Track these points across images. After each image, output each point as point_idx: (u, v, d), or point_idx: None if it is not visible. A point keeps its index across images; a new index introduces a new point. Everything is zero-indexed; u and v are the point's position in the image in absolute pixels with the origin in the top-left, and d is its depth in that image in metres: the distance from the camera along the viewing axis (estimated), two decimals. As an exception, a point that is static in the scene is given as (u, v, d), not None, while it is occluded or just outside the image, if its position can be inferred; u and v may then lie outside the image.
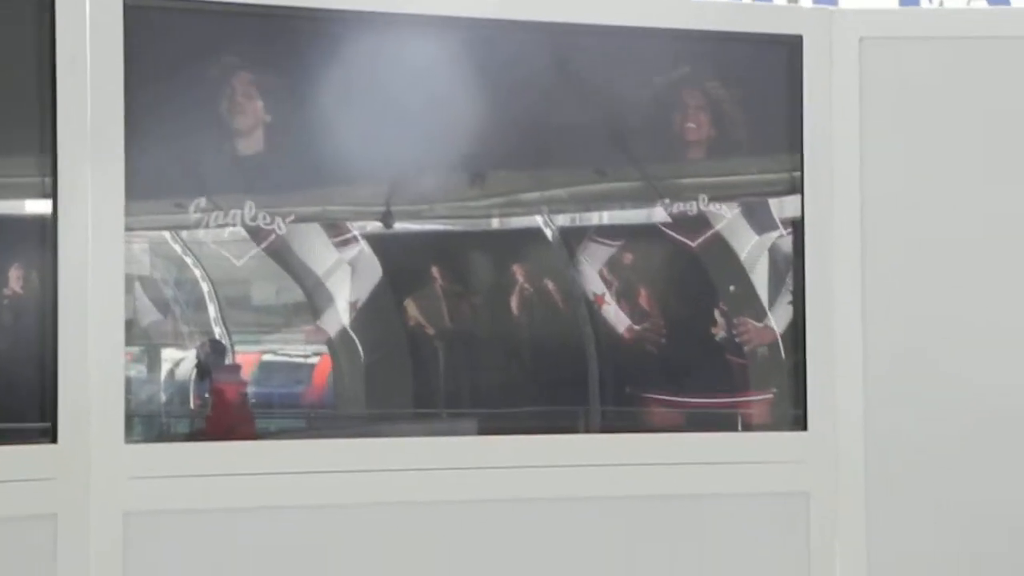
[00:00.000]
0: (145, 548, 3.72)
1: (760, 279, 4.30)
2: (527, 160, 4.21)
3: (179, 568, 3.77)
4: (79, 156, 3.81)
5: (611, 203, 4.25)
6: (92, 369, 3.69)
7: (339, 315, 4.14)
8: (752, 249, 4.32)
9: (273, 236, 4.06)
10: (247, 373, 4.14)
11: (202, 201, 3.89)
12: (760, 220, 4.31)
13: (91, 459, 3.68)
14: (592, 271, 4.16)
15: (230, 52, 3.94)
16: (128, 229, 3.78)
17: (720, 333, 4.25)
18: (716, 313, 4.27)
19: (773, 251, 4.32)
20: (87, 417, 3.66)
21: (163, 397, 4.06)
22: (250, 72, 3.94)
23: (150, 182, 3.86)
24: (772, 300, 4.26)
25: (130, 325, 3.89)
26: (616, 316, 4.17)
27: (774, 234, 4.29)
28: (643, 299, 4.22)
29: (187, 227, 3.95)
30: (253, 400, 4.11)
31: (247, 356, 4.17)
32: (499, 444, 4.09)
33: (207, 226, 3.93)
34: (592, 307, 4.15)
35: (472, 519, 3.99)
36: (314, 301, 4.14)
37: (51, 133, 3.70)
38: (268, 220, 3.96)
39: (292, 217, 3.99)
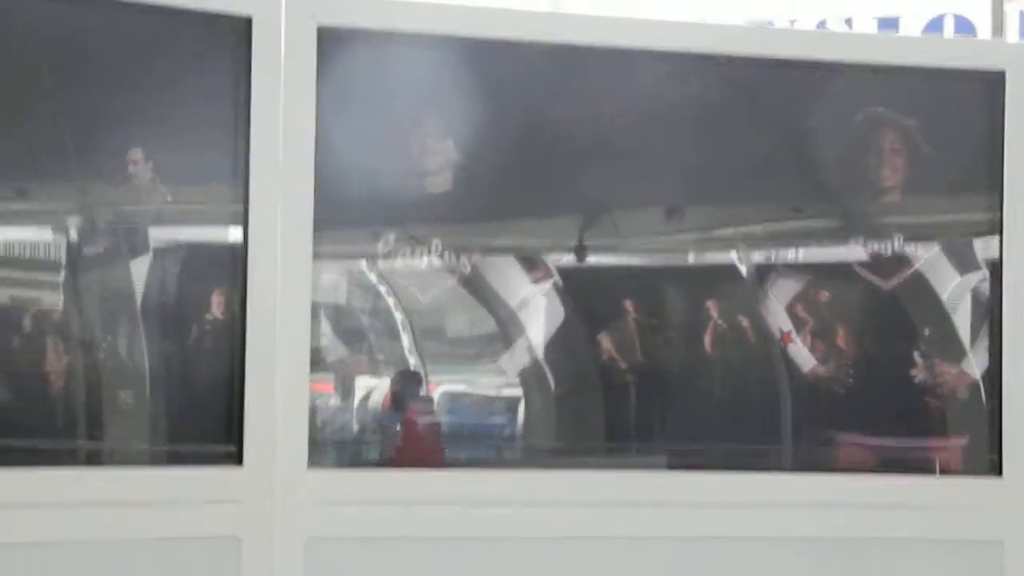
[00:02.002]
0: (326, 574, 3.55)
1: (961, 321, 4.02)
2: (723, 196, 3.99)
3: None
4: (271, 184, 3.57)
5: (805, 240, 4.02)
6: (278, 393, 3.56)
7: (532, 347, 3.94)
8: (952, 290, 4.04)
9: (459, 273, 3.79)
10: (437, 403, 3.98)
11: (391, 236, 3.77)
12: (960, 260, 4.06)
13: (274, 483, 3.54)
14: (780, 307, 3.93)
15: (421, 88, 3.81)
16: (317, 258, 3.67)
17: (918, 375, 3.97)
18: (914, 354, 3.99)
19: (975, 293, 4.03)
20: (272, 441, 3.53)
21: (354, 425, 3.93)
22: (439, 110, 3.81)
23: (340, 213, 3.73)
24: (972, 342, 3.98)
25: (322, 352, 3.77)
26: (801, 354, 3.93)
27: (975, 275, 4.01)
28: (834, 338, 3.97)
29: (377, 258, 3.79)
30: (444, 430, 3.93)
31: (437, 386, 4.01)
32: (688, 479, 3.80)
33: (395, 257, 3.78)
34: (779, 344, 3.92)
35: (659, 555, 3.75)
36: (507, 333, 3.96)
37: (244, 160, 3.56)
38: (454, 258, 3.79)
39: (478, 254, 3.81)
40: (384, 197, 3.87)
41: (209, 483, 3.55)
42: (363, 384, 4.04)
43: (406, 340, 4.04)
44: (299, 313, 3.65)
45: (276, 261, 3.63)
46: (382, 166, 3.83)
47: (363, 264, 3.99)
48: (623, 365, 4.08)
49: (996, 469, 3.99)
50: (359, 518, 3.67)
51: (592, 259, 4.10)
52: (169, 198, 3.63)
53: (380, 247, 3.86)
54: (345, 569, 3.64)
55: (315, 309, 3.76)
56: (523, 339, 4.04)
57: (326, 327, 3.90)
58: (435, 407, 4.01)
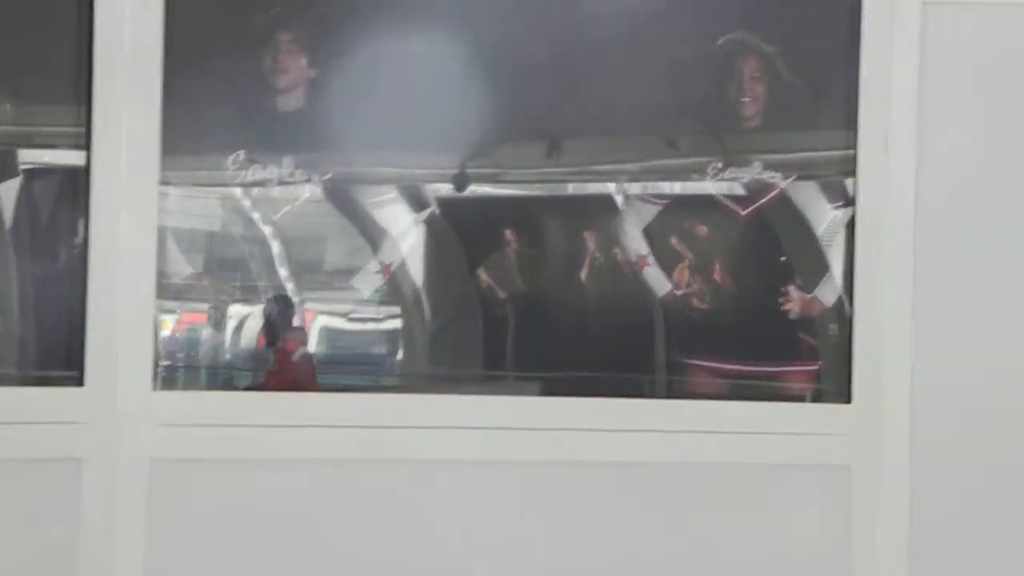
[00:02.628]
0: (169, 495, 3.56)
1: (815, 250, 3.95)
2: (601, 128, 3.95)
3: (203, 516, 3.56)
4: (115, 105, 3.58)
5: (675, 171, 3.96)
6: (121, 317, 3.57)
7: (410, 275, 3.92)
8: (809, 220, 3.96)
9: (328, 199, 3.77)
10: (313, 332, 3.96)
11: (241, 154, 3.75)
12: (816, 192, 3.97)
13: (117, 405, 3.55)
14: (636, 231, 3.90)
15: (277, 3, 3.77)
16: (164, 183, 3.66)
17: (774, 302, 3.92)
18: (766, 281, 3.94)
19: (829, 224, 3.96)
20: (114, 363, 3.54)
21: (226, 353, 3.92)
22: (293, 29, 3.77)
23: (188, 135, 3.72)
24: (828, 272, 3.92)
25: (170, 276, 3.76)
26: (655, 279, 3.89)
27: (830, 206, 3.94)
28: (692, 266, 3.93)
29: (226, 181, 3.78)
30: (319, 358, 3.92)
31: (311, 315, 3.99)
32: (556, 406, 3.77)
33: (246, 180, 3.77)
34: (634, 268, 3.89)
35: (528, 478, 3.74)
36: (385, 262, 3.93)
37: (87, 83, 3.55)
38: (305, 176, 3.77)
39: (329, 175, 3.78)
40: (236, 119, 3.81)
41: (50, 404, 3.54)
42: (236, 312, 4.00)
43: (281, 268, 4.01)
44: (144, 237, 3.64)
45: (121, 185, 3.61)
46: (233, 85, 3.77)
47: (225, 189, 3.92)
48: (501, 294, 4.02)
49: (846, 396, 3.87)
50: (206, 440, 3.65)
51: (472, 189, 3.97)
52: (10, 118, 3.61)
53: (244, 173, 3.80)
54: (190, 491, 3.64)
55: (177, 236, 3.73)
56: (402, 267, 3.95)
57: (198, 257, 3.87)
58: (308, 336, 3.93)
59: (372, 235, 4.04)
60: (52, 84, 3.64)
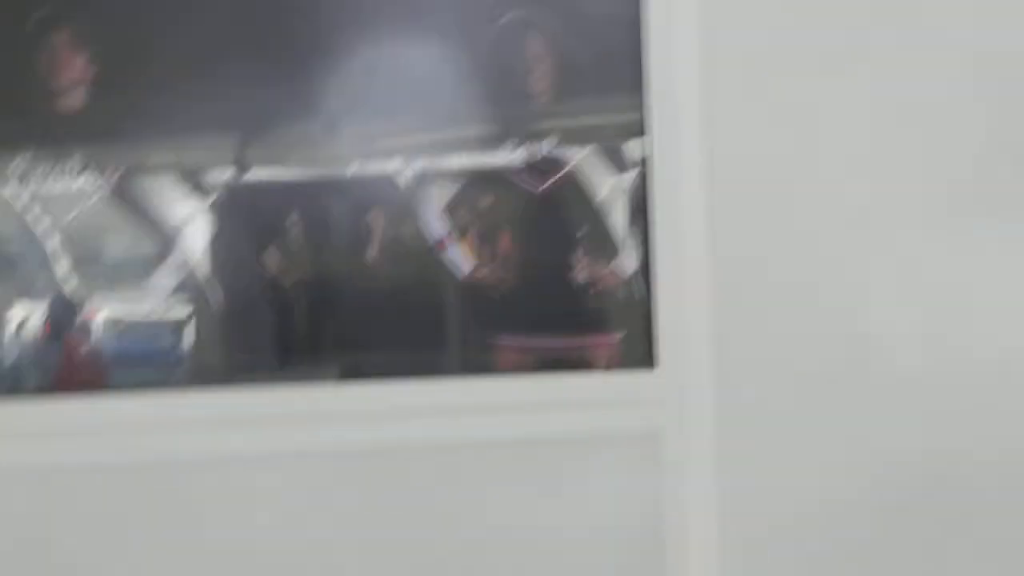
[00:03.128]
0: None
1: (616, 221, 3.96)
2: (383, 107, 3.87)
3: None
4: None
5: (463, 148, 3.91)
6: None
7: (194, 266, 3.79)
8: (608, 191, 3.98)
9: (109, 193, 3.63)
10: (97, 329, 3.81)
11: (27, 155, 3.57)
12: (614, 160, 3.98)
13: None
14: (434, 213, 3.84)
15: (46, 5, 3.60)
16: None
17: (574, 275, 3.92)
18: (571, 255, 3.94)
19: (628, 192, 3.98)
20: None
21: (10, 355, 3.74)
22: (71, 25, 3.61)
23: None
24: (625, 240, 3.94)
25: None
26: (458, 259, 3.84)
27: (629, 175, 3.95)
28: (495, 243, 3.89)
29: (17, 180, 3.60)
30: (106, 356, 3.76)
31: (96, 311, 3.84)
32: (356, 390, 3.70)
33: (36, 180, 3.59)
34: (435, 251, 3.84)
35: (332, 467, 3.66)
36: (166, 253, 3.80)
37: None
38: (100, 177, 3.62)
39: (129, 173, 3.64)
40: (14, 117, 3.63)
41: None
42: (17, 314, 3.83)
43: (59, 266, 3.85)
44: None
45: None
46: (9, 83, 3.59)
47: (8, 187, 3.73)
48: (290, 280, 3.90)
49: (650, 362, 3.91)
50: (13, 449, 3.47)
51: (253, 174, 3.86)
52: None
53: (16, 169, 3.62)
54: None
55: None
56: (186, 258, 3.84)
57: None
58: (92, 334, 3.79)
59: (156, 226, 3.92)
60: None
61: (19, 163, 3.74)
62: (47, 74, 3.82)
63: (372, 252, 4.01)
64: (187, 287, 3.96)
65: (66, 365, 3.82)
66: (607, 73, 4.10)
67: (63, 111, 3.84)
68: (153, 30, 3.85)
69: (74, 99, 3.82)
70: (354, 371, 3.96)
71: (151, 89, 3.87)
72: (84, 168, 3.80)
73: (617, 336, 4.12)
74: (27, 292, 3.90)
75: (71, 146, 3.81)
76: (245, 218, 3.99)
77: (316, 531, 3.80)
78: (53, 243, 3.89)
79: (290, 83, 3.95)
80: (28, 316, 3.90)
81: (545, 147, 4.04)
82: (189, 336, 4.00)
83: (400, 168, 4.06)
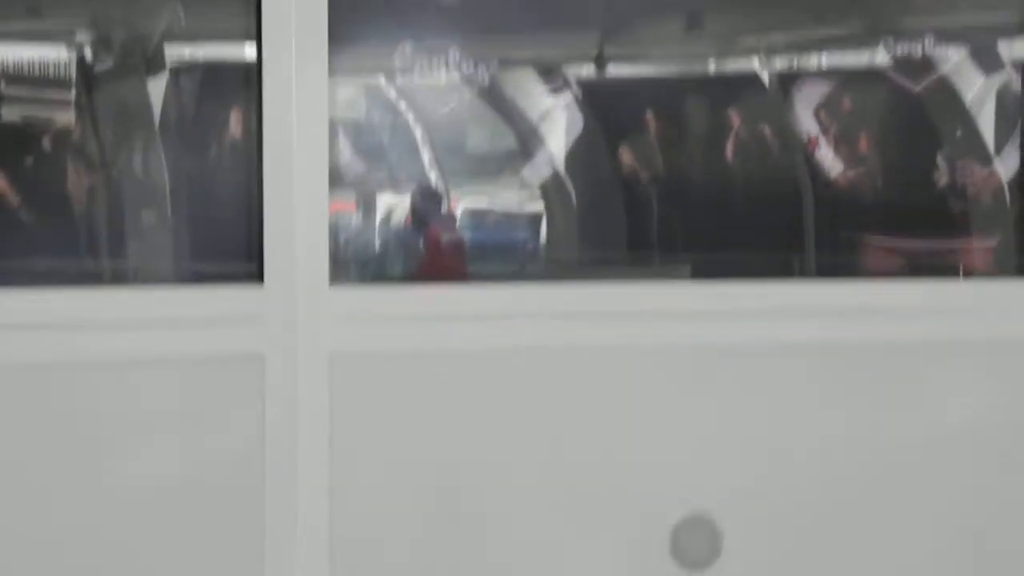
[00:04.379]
0: (351, 390, 3.39)
1: (987, 124, 3.79)
2: (743, 2, 3.76)
3: (385, 410, 3.38)
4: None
5: (829, 46, 3.79)
6: (298, 211, 3.38)
7: (552, 161, 3.77)
8: (978, 93, 3.80)
9: (477, 86, 3.62)
10: (459, 220, 3.82)
11: (407, 48, 3.57)
12: (984, 62, 3.79)
13: (296, 300, 3.38)
14: (807, 113, 3.73)
15: None
16: (333, 75, 3.47)
17: (943, 178, 3.77)
18: (939, 158, 3.78)
19: (1000, 95, 3.80)
20: (292, 259, 3.36)
21: (376, 243, 3.77)
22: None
23: (356, 28, 3.53)
24: (999, 145, 3.76)
25: (342, 170, 3.59)
26: (828, 160, 3.73)
27: (1001, 76, 3.77)
28: (861, 143, 3.76)
29: (394, 72, 3.60)
30: (466, 246, 3.77)
31: (458, 202, 3.85)
32: (712, 289, 3.63)
33: (412, 71, 3.59)
34: (805, 150, 3.72)
35: (684, 364, 3.60)
36: (527, 147, 3.79)
37: None
38: (472, 70, 3.60)
39: (496, 66, 3.61)
40: (399, 9, 3.62)
41: (231, 302, 3.37)
42: (384, 202, 3.85)
43: (426, 156, 3.86)
44: (316, 130, 3.46)
45: (291, 78, 3.40)
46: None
47: (381, 79, 3.73)
48: (644, 176, 3.83)
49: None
50: (382, 334, 3.49)
51: (611, 70, 3.81)
52: (181, 14, 3.39)
53: (397, 60, 3.62)
54: (369, 384, 3.48)
55: (333, 126, 3.55)
56: (543, 152, 3.81)
57: (344, 144, 3.71)
58: (457, 224, 3.79)
59: (516, 120, 3.86)
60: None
61: (398, 55, 3.72)
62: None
63: (728, 150, 3.90)
64: (544, 180, 3.91)
65: (429, 253, 3.82)
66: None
67: (439, 4, 3.81)
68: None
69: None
70: (707, 269, 3.86)
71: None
72: (454, 62, 3.76)
73: (990, 242, 3.94)
74: (395, 182, 3.89)
75: (446, 40, 3.77)
76: (602, 113, 3.91)
77: (656, 425, 3.74)
78: (420, 134, 3.88)
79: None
80: (395, 205, 3.91)
81: (923, 46, 3.86)
82: (545, 229, 3.95)
83: (762, 65, 3.93)
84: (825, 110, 3.76)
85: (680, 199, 3.83)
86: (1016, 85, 3.78)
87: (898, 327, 3.61)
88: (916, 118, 3.80)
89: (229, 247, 3.47)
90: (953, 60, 3.77)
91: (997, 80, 3.79)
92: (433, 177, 3.84)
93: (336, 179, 3.66)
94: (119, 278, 3.45)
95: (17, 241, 3.39)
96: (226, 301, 3.34)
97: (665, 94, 3.89)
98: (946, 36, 3.80)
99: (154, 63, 3.50)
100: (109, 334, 3.22)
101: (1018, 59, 3.77)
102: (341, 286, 3.42)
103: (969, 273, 3.79)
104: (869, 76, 3.79)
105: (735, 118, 3.80)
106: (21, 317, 3.14)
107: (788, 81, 3.79)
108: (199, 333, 3.28)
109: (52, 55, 3.47)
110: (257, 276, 3.32)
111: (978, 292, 3.71)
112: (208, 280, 3.40)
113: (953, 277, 3.80)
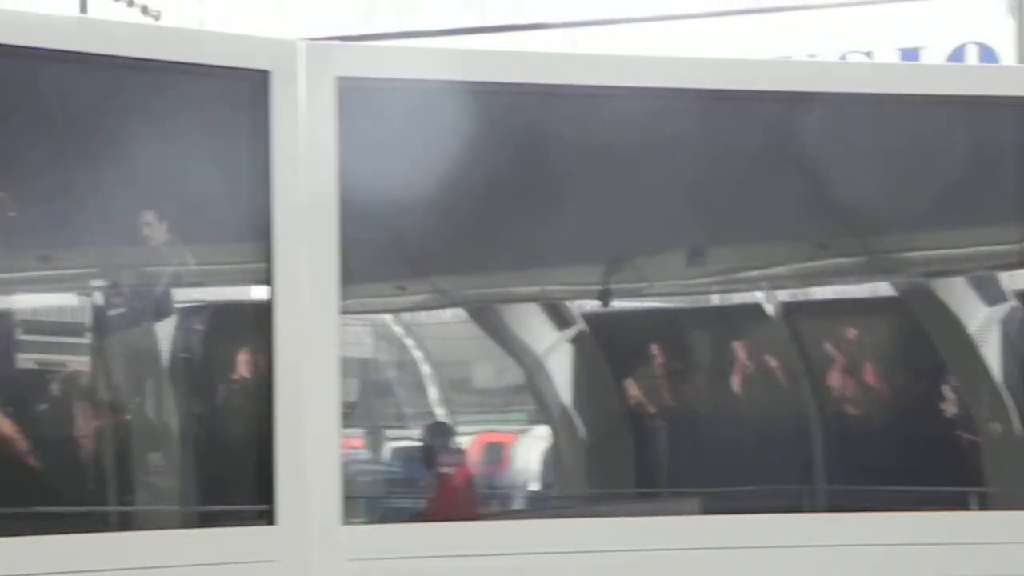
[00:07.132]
0: None
1: (991, 353, 3.75)
2: (745, 236, 3.75)
3: None
4: (295, 240, 3.31)
5: (833, 278, 3.77)
6: (309, 450, 3.32)
7: (559, 395, 3.70)
8: (981, 322, 3.77)
9: (484, 323, 3.56)
10: (473, 453, 3.76)
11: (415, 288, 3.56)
12: (988, 292, 3.78)
13: (310, 540, 3.30)
14: (816, 347, 3.70)
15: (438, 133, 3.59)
16: (345, 312, 3.44)
17: (950, 409, 3.72)
18: (944, 389, 3.74)
19: (1004, 324, 3.78)
20: (305, 498, 3.29)
21: (387, 479, 3.72)
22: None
23: (367, 266, 3.51)
24: (1006, 375, 3.72)
25: (351, 407, 3.55)
26: (841, 392, 3.68)
27: (1004, 307, 3.76)
28: (869, 375, 3.72)
29: (405, 310, 3.58)
30: (477, 480, 3.70)
31: (470, 437, 3.80)
32: (723, 523, 3.54)
33: (419, 309, 3.58)
34: (816, 383, 3.68)
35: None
36: (534, 381, 3.74)
37: (266, 218, 3.32)
38: (477, 308, 3.56)
39: (503, 298, 3.57)
40: (409, 251, 3.62)
41: (244, 543, 3.28)
42: (393, 438, 3.80)
43: (433, 392, 3.82)
44: (327, 369, 3.40)
45: (303, 318, 3.37)
46: (406, 220, 3.58)
47: (388, 317, 3.71)
48: (651, 410, 3.72)
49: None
50: (394, 573, 3.41)
51: (616, 304, 3.76)
52: (191, 258, 3.38)
53: (404, 300, 3.61)
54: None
55: (346, 364, 3.53)
56: (551, 387, 3.76)
57: (353, 382, 3.68)
58: (467, 458, 3.73)
59: (520, 355, 3.83)
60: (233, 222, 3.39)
61: (391, 293, 3.71)
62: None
63: (735, 382, 3.86)
64: (550, 415, 3.86)
65: (439, 490, 3.76)
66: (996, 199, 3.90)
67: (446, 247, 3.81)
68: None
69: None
70: (718, 503, 3.79)
71: (513, 217, 3.78)
72: (453, 300, 3.75)
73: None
74: (402, 418, 3.85)
75: (440, 278, 3.77)
76: (608, 347, 3.88)
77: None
78: (425, 370, 3.85)
79: (649, 213, 3.84)
80: (404, 441, 3.87)
81: (919, 277, 3.84)
82: (553, 463, 3.89)
83: (766, 297, 3.92)
84: (834, 342, 3.72)
85: (687, 432, 3.78)
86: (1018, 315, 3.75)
87: (916, 561, 3.53)
88: (919, 348, 3.76)
89: (239, 488, 3.39)
90: (954, 290, 3.75)
91: (998, 310, 3.77)
92: (440, 413, 3.80)
93: (346, 416, 3.60)
94: (127, 524, 3.36)
95: (23, 487, 3.31)
96: (237, 542, 3.24)
97: (669, 326, 3.85)
98: (946, 268, 3.78)
99: (162, 306, 3.47)
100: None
101: (1019, 289, 3.76)
102: (353, 525, 3.34)
103: (984, 507, 3.70)
104: (872, 305, 3.76)
105: (740, 350, 3.76)
106: (26, 567, 3.04)
107: (793, 312, 3.77)
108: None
109: (65, 301, 3.44)
110: (269, 517, 3.23)
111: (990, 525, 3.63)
112: (218, 522, 3.31)
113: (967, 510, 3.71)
